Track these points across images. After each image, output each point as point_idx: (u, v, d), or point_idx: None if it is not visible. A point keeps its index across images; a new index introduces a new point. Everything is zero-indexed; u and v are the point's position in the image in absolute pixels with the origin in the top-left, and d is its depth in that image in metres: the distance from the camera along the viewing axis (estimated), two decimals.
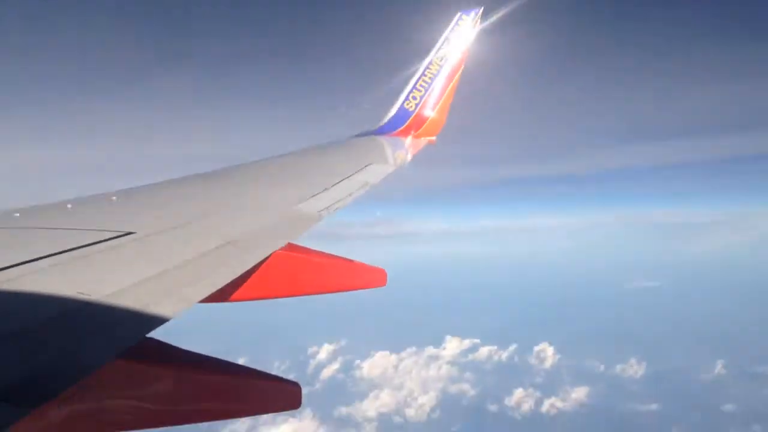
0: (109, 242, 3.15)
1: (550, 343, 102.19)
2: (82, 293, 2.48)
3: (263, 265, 3.60)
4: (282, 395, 3.44)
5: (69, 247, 2.96)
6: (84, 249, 2.97)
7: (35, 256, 2.77)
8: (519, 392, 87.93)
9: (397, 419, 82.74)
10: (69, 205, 4.11)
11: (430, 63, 10.15)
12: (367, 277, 4.32)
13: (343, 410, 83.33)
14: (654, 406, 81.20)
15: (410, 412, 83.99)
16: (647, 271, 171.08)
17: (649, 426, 75.71)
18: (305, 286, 4.02)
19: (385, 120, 10.07)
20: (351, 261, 4.29)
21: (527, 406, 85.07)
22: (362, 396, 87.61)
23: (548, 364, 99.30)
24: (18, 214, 3.77)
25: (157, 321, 2.47)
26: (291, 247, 3.91)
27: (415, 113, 10.10)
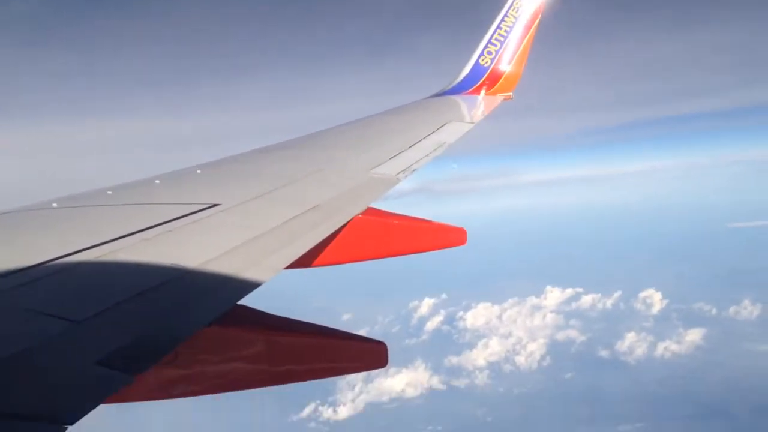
0: (196, 215, 3.28)
1: (657, 289, 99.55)
2: (173, 265, 2.60)
3: (344, 230, 3.66)
4: (369, 355, 3.49)
5: (159, 222, 3.08)
6: (173, 222, 3.11)
7: (127, 232, 2.90)
8: (630, 336, 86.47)
9: (508, 367, 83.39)
10: (157, 181, 4.30)
11: (506, 15, 9.78)
12: (447, 237, 4.36)
13: (454, 360, 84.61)
14: None
15: (520, 360, 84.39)
16: (753, 211, 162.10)
17: None
18: (385, 249, 4.09)
19: (460, 78, 9.90)
20: (430, 222, 4.33)
21: (640, 350, 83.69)
22: (470, 346, 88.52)
23: (656, 309, 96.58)
24: (110, 192, 3.95)
25: (247, 288, 2.54)
26: (370, 211, 3.99)
27: (490, 69, 9.88)
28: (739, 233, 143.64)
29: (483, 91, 9.76)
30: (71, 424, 1.55)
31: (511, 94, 9.85)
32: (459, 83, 9.85)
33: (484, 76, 9.85)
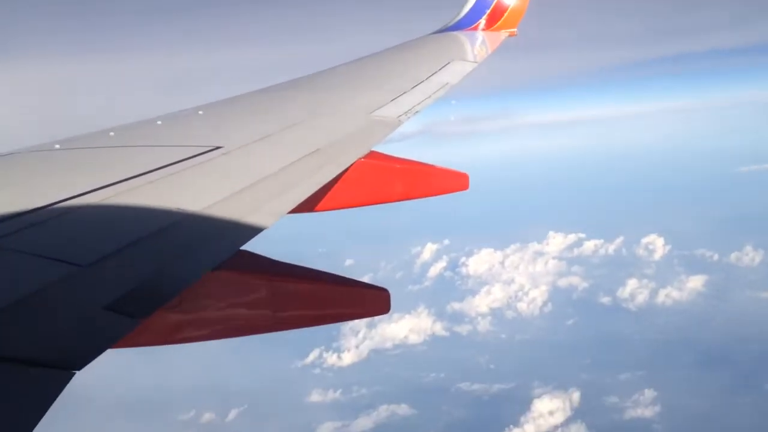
0: (199, 157, 3.28)
1: (659, 234, 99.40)
2: (178, 209, 2.58)
3: (346, 174, 3.63)
4: (372, 301, 3.51)
5: (161, 165, 3.06)
6: (175, 165, 3.09)
7: (130, 175, 2.88)
8: (632, 283, 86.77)
9: (510, 314, 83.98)
10: (159, 122, 4.26)
11: None
12: (450, 181, 4.33)
13: (456, 306, 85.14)
14: None
15: (522, 307, 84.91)
16: (757, 155, 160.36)
17: None
18: (388, 194, 4.05)
19: (462, 13, 9.57)
20: (433, 167, 4.30)
21: (642, 297, 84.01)
22: (473, 292, 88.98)
23: (658, 255, 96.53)
24: (113, 133, 3.93)
25: (250, 233, 2.54)
26: (373, 155, 3.93)
27: (494, 2, 9.51)
28: (743, 177, 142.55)
29: (484, 26, 9.46)
30: (79, 369, 1.56)
31: (515, 30, 9.50)
32: (462, 19, 9.51)
33: (488, 11, 9.49)
